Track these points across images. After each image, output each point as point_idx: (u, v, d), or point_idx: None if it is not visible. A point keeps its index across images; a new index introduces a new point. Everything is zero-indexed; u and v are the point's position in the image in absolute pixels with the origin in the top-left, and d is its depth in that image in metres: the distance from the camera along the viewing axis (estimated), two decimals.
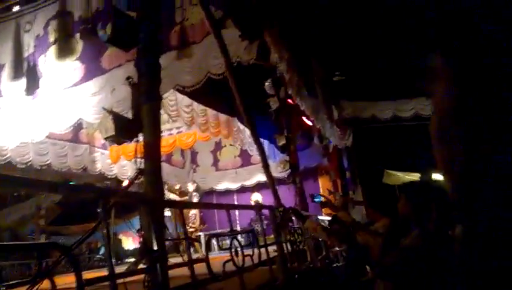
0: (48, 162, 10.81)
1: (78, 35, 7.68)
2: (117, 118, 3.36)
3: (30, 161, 10.18)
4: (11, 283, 1.74)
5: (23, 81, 7.83)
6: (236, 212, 16.36)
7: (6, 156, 9.36)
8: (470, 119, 1.12)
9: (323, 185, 16.20)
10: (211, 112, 11.12)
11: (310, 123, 12.05)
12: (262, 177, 13.72)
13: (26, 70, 7.92)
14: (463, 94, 1.16)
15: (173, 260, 3.75)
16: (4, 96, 8.01)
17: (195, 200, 11.68)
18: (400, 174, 14.60)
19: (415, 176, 14.03)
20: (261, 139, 11.56)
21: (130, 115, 3.56)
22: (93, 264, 14.07)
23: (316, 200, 6.83)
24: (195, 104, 10.49)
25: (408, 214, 3.52)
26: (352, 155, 15.52)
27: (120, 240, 16.26)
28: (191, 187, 11.86)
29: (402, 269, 3.26)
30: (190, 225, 11.49)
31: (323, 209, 6.77)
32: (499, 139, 1.09)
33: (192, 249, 10.57)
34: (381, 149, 14.44)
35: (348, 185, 15.35)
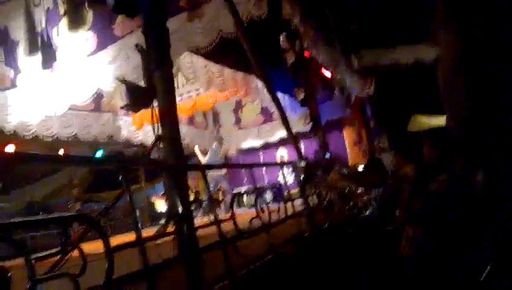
0: (74, 133, 11.02)
1: (86, 4, 7.62)
2: (131, 87, 3.36)
3: (56, 134, 10.41)
4: (40, 255, 1.82)
5: (39, 56, 7.88)
6: (263, 169, 16.50)
7: (32, 130, 9.58)
8: (475, 69, 1.07)
9: (348, 136, 16.08)
10: (227, 71, 11.01)
11: (329, 75, 11.83)
12: (285, 133, 13.77)
13: (40, 44, 7.94)
14: (469, 44, 1.11)
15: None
16: (23, 72, 8.10)
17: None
18: (425, 118, 14.29)
19: (442, 119, 13.71)
20: (281, 94, 11.51)
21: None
22: (130, 226, 14.60)
23: (327, 156, 6.83)
24: (211, 64, 10.39)
25: (433, 160, 3.48)
26: (375, 104, 15.23)
27: (153, 203, 16.76)
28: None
29: (430, 214, 3.27)
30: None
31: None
32: (503, 87, 1.05)
33: (223, 207, 10.85)
34: (405, 95, 14.08)
35: (373, 134, 15.19)
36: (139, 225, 2.56)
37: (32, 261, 1.57)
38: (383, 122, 15.13)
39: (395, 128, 14.49)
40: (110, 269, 1.97)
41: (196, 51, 8.37)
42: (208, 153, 12.24)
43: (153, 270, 2.37)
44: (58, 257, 2.02)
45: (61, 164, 4.34)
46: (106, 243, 2.05)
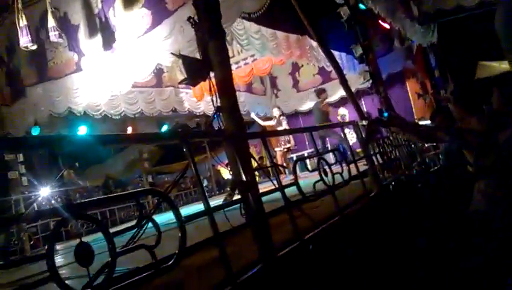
0: (139, 110, 11.49)
1: None
2: (186, 61, 3.41)
3: (123, 112, 10.91)
4: (117, 230, 1.97)
5: (99, 38, 8.18)
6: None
7: (101, 110, 10.10)
8: None
9: (412, 88, 15.43)
10: (280, 34, 10.85)
11: (387, 26, 11.29)
12: (345, 92, 13.51)
13: (99, 27, 8.22)
14: None
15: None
16: (86, 55, 8.47)
17: (284, 124, 11.84)
18: (495, 63, 13.29)
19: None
20: (338, 53, 11.20)
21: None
22: (199, 196, 15.19)
23: (385, 115, 6.54)
24: (263, 29, 10.28)
25: (502, 109, 3.27)
26: (439, 52, 14.40)
27: (219, 171, 17.26)
28: (276, 112, 11.98)
29: (502, 166, 3.10)
30: (283, 146, 11.77)
31: None
32: None
33: (287, 172, 10.93)
34: (470, 40, 13.14)
35: (438, 85, 14.47)
36: (206, 194, 2.66)
37: (111, 236, 1.69)
38: (449, 72, 14.32)
39: (463, 77, 13.67)
40: (182, 238, 2.08)
41: (248, 17, 8.31)
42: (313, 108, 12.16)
43: (222, 236, 2.45)
44: (135, 229, 2.15)
45: (128, 143, 4.55)
46: (177, 214, 2.15)
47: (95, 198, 1.89)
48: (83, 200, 2.02)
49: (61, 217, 1.55)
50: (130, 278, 1.79)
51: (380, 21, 11.09)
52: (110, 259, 1.66)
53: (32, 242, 8.42)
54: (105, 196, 2.01)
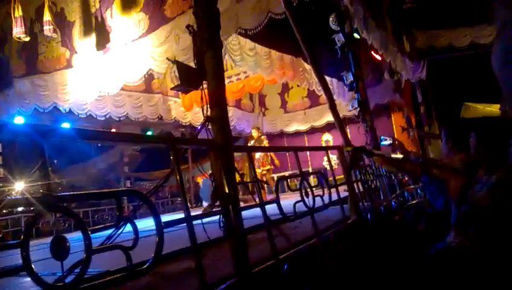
0: (125, 113, 11.42)
1: None
2: (181, 68, 3.41)
3: (109, 113, 10.82)
4: (96, 227, 1.92)
5: (93, 37, 8.15)
6: (308, 153, 16.44)
7: (87, 109, 10.02)
8: None
9: (397, 121, 15.70)
10: (274, 53, 10.96)
11: (379, 58, 11.51)
12: (331, 118, 13.68)
13: (94, 26, 8.21)
14: None
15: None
16: (78, 53, 8.42)
17: (265, 143, 11.90)
18: (479, 106, 13.65)
19: (496, 107, 13.08)
20: (329, 78, 11.34)
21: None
22: (176, 206, 15.04)
23: (383, 143, 6.60)
24: (258, 47, 10.37)
25: (481, 153, 3.32)
26: (426, 88, 14.74)
27: (197, 183, 17.13)
28: (255, 133, 12.08)
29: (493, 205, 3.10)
30: (262, 168, 11.74)
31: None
32: None
33: (267, 189, 10.88)
34: (458, 80, 13.49)
35: (422, 120, 14.74)
36: (190, 203, 2.63)
37: (89, 233, 1.66)
38: (434, 109, 14.63)
39: (447, 115, 13.97)
40: (160, 243, 2.05)
41: (244, 33, 8.38)
42: None
43: (199, 247, 2.43)
44: (112, 230, 2.11)
45: (116, 141, 4.49)
46: (156, 218, 2.12)
47: (74, 192, 1.84)
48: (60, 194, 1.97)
49: (38, 207, 1.52)
50: (102, 278, 1.75)
51: (372, 52, 11.31)
52: (84, 256, 1.62)
53: (1, 235, 8.21)
54: (85, 192, 1.97)
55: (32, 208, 1.51)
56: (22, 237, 1.46)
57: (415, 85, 14.48)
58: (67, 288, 1.54)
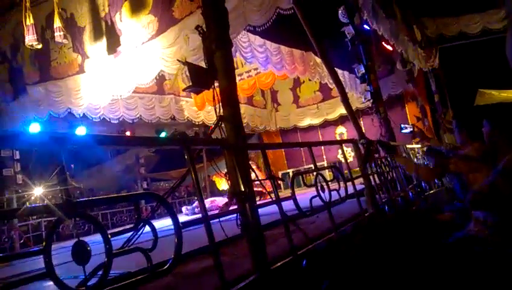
0: (138, 115, 11.51)
1: None
2: (192, 68, 3.43)
3: (122, 116, 10.92)
4: (115, 231, 1.95)
5: (103, 41, 8.22)
6: (322, 147, 16.39)
7: (100, 113, 10.13)
8: None
9: (411, 111, 15.55)
10: (284, 49, 10.93)
11: (390, 48, 11.40)
12: (345, 110, 13.65)
13: (105, 30, 8.27)
14: None
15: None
16: (90, 58, 8.49)
17: None
18: (494, 92, 13.43)
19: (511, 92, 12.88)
20: (340, 71, 11.28)
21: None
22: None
23: (403, 131, 6.53)
24: (267, 42, 10.35)
25: (496, 140, 3.28)
26: (440, 77, 14.55)
27: (214, 182, 17.19)
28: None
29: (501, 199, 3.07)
30: None
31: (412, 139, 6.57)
32: None
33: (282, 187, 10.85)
34: (471, 67, 13.29)
35: (437, 109, 14.57)
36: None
37: (109, 237, 1.68)
38: (449, 97, 14.44)
39: (462, 103, 13.77)
40: (179, 244, 2.06)
41: (253, 30, 8.37)
42: None
43: (217, 246, 2.44)
44: (131, 232, 2.14)
45: (131, 145, 4.53)
46: (175, 220, 2.14)
47: (93, 198, 1.88)
48: (79, 199, 2.00)
49: (59, 214, 1.55)
50: (124, 280, 1.77)
51: (383, 42, 11.21)
52: (106, 260, 1.65)
53: (22, 241, 8.36)
54: (104, 197, 2.00)
55: (52, 214, 1.54)
56: (43, 243, 1.49)
57: (428, 74, 14.31)
58: None
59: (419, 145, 9.24)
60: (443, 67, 14.03)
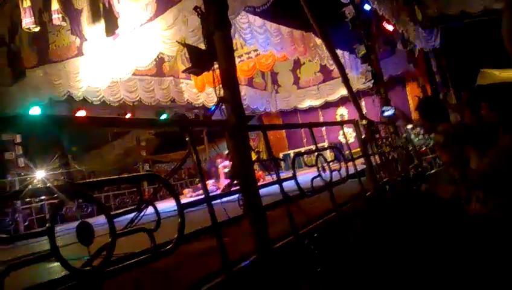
0: (138, 98, 11.47)
1: None
2: (191, 50, 3.41)
3: (122, 99, 10.88)
4: (118, 211, 1.97)
5: (101, 23, 8.14)
6: (323, 129, 16.38)
7: (100, 96, 10.09)
8: None
9: (411, 91, 15.50)
10: (284, 29, 10.82)
11: (391, 28, 11.30)
12: (345, 91, 13.58)
13: (102, 12, 8.18)
14: None
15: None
16: (88, 40, 8.43)
17: None
18: (496, 72, 13.32)
19: None
20: (340, 51, 11.20)
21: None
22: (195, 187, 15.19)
23: (385, 114, 6.47)
24: (267, 23, 10.25)
25: (494, 121, 3.27)
26: (441, 57, 14.45)
27: (214, 161, 17.22)
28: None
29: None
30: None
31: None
32: None
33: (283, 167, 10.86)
34: (473, 47, 13.16)
35: (438, 89, 14.51)
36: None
37: (112, 218, 1.70)
38: (450, 77, 14.36)
39: (463, 83, 13.69)
40: (181, 224, 2.08)
41: (252, 11, 8.29)
42: None
43: (219, 226, 2.46)
44: (134, 213, 2.16)
45: (132, 127, 4.54)
46: (177, 200, 2.16)
47: (96, 179, 1.89)
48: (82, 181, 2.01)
49: (62, 195, 1.56)
50: (128, 260, 1.80)
51: (384, 23, 11.10)
52: (110, 240, 1.66)
53: (26, 223, 8.43)
54: (106, 178, 2.02)
55: (55, 196, 1.55)
56: (47, 224, 1.51)
57: (429, 54, 14.20)
58: (95, 271, 1.59)
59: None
60: (444, 47, 13.91)
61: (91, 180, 1.83)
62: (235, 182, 3.08)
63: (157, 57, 8.46)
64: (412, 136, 8.22)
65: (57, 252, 1.45)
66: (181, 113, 14.10)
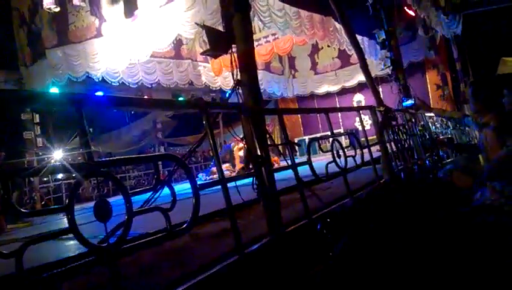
0: (156, 80, 11.54)
1: None
2: (210, 32, 3.40)
3: (140, 80, 10.96)
4: (135, 191, 2.00)
5: (121, 4, 8.16)
6: (339, 114, 16.27)
7: (119, 77, 10.17)
8: None
9: (431, 79, 15.24)
10: (304, 13, 10.70)
11: (412, 13, 11.07)
12: (363, 77, 13.42)
13: None
14: None
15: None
16: (107, 21, 8.46)
17: None
18: None
19: None
20: (360, 36, 11.02)
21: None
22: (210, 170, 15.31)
23: (405, 104, 6.33)
24: (287, 6, 10.15)
25: None
26: (462, 44, 14.14)
27: (230, 145, 17.29)
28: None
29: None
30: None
31: None
32: None
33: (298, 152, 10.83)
34: (495, 35, 12.83)
35: (459, 78, 14.24)
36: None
37: (129, 196, 1.72)
38: (471, 65, 14.05)
39: (484, 71, 13.39)
40: (196, 204, 2.11)
41: None
42: None
43: (234, 209, 2.48)
44: (150, 193, 2.19)
45: (150, 107, 4.57)
46: (193, 181, 2.18)
47: (114, 158, 1.92)
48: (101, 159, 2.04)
49: (81, 173, 1.59)
50: (144, 239, 1.83)
51: (405, 8, 10.89)
52: (126, 217, 1.69)
53: (43, 202, 8.61)
54: (124, 157, 2.05)
55: (74, 175, 1.58)
56: (67, 201, 1.54)
57: (450, 41, 13.91)
58: (111, 248, 1.63)
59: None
60: (466, 34, 13.59)
61: (110, 158, 1.86)
62: (250, 166, 3.09)
63: (175, 39, 8.48)
64: (429, 124, 8.10)
65: (75, 228, 1.49)
66: (198, 96, 14.15)
